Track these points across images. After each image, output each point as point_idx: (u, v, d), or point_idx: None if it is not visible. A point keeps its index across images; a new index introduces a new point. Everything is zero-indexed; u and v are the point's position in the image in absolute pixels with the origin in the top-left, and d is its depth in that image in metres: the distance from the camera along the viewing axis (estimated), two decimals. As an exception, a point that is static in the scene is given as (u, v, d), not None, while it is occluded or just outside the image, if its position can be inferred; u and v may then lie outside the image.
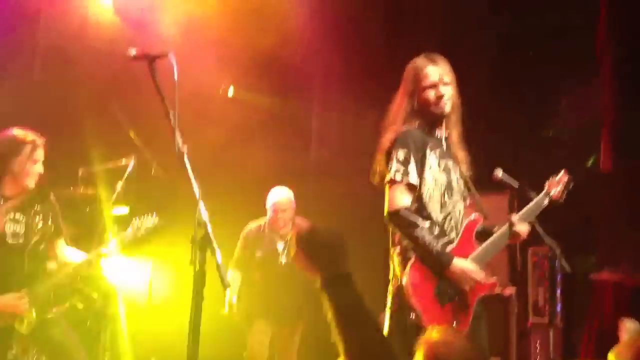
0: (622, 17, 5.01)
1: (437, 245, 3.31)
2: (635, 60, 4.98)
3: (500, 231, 3.51)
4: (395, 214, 3.36)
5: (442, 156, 3.51)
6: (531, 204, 3.63)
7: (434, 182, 3.45)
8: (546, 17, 6.06)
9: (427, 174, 3.44)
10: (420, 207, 3.42)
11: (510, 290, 5.17)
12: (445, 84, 3.52)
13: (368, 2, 7.05)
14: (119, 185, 5.69)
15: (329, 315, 1.74)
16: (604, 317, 4.68)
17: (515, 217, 3.52)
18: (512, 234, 3.50)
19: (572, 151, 6.16)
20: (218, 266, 2.63)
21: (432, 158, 3.46)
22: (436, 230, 3.42)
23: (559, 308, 5.00)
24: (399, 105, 3.58)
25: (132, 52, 2.99)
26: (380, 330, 1.76)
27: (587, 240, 4.24)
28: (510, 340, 5.14)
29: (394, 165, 3.40)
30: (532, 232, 3.61)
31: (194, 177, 2.76)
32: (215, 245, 2.65)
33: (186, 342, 2.55)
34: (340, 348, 1.70)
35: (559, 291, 4.93)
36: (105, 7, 7.08)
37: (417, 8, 6.76)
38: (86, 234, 5.70)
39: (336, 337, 1.73)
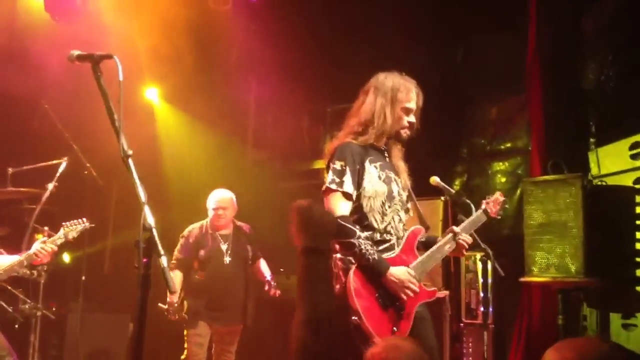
0: (552, 25, 5.21)
1: (375, 254, 3.39)
2: (564, 66, 5.19)
3: (442, 241, 3.65)
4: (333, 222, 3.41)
5: (382, 168, 3.61)
6: (470, 219, 3.79)
7: (374, 192, 3.53)
8: (479, 19, 6.24)
9: (367, 184, 3.53)
10: (360, 217, 3.51)
11: (443, 293, 5.34)
12: (415, 113, 3.65)
13: (309, 6, 7.12)
14: (51, 185, 5.57)
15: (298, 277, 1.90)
16: (532, 317, 4.88)
17: (457, 229, 3.68)
18: (457, 245, 3.66)
19: (503, 160, 6.40)
20: (163, 270, 2.62)
21: (372, 169, 3.56)
22: (377, 238, 3.51)
23: (490, 309, 5.21)
24: (368, 110, 3.62)
25: (75, 53, 2.93)
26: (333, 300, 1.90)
27: (515, 245, 4.42)
28: (445, 341, 5.31)
29: (330, 175, 3.50)
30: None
31: (139, 181, 2.74)
32: (160, 249, 2.64)
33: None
34: (298, 307, 1.84)
35: (490, 294, 5.12)
36: (35, 4, 6.92)
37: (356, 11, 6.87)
38: (15, 234, 5.57)
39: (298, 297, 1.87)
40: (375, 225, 3.52)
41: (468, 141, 6.50)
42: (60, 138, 6.20)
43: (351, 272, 3.35)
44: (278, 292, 5.62)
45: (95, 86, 2.88)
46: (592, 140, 5.17)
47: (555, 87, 5.13)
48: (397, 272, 3.40)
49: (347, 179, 3.47)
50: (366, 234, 3.45)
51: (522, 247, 4.30)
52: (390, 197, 3.58)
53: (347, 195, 3.46)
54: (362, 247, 3.35)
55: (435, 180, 3.99)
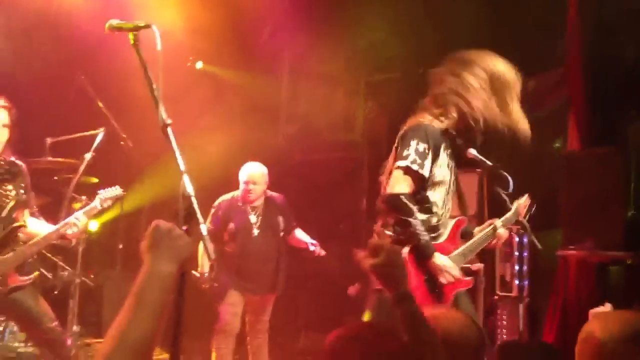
0: (593, 3, 5.12)
1: (426, 236, 3.48)
2: (602, 44, 5.11)
3: (481, 235, 3.76)
4: (397, 197, 3.48)
5: (451, 157, 3.70)
6: (506, 215, 3.89)
7: (442, 178, 3.62)
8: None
9: (436, 170, 3.60)
10: (423, 198, 3.59)
11: (477, 266, 5.32)
12: None
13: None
14: (88, 155, 5.62)
15: (403, 322, 1.94)
16: (568, 292, 4.85)
17: (498, 222, 3.78)
18: (494, 237, 3.78)
19: (539, 133, 6.30)
20: (203, 239, 2.64)
21: (443, 156, 3.63)
22: (433, 222, 3.60)
23: (526, 283, 5.19)
24: (469, 93, 3.64)
25: (114, 22, 2.93)
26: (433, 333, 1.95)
27: (553, 218, 4.39)
28: (478, 313, 5.30)
29: (413, 154, 3.51)
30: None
31: (179, 150, 2.74)
32: (200, 217, 2.65)
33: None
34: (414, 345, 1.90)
35: (525, 267, 5.10)
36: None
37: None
38: (53, 204, 5.66)
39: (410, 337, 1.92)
40: (435, 210, 3.61)
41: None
42: (97, 109, 6.25)
43: (407, 251, 3.43)
44: (322, 252, 5.72)
45: (132, 56, 2.88)
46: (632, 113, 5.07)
47: (594, 61, 5.03)
48: (441, 259, 3.50)
49: (428, 163, 3.53)
50: (425, 216, 3.54)
51: (556, 221, 4.27)
52: (450, 186, 3.69)
53: (421, 178, 3.53)
54: (417, 227, 3.43)
55: (471, 152, 3.98)
